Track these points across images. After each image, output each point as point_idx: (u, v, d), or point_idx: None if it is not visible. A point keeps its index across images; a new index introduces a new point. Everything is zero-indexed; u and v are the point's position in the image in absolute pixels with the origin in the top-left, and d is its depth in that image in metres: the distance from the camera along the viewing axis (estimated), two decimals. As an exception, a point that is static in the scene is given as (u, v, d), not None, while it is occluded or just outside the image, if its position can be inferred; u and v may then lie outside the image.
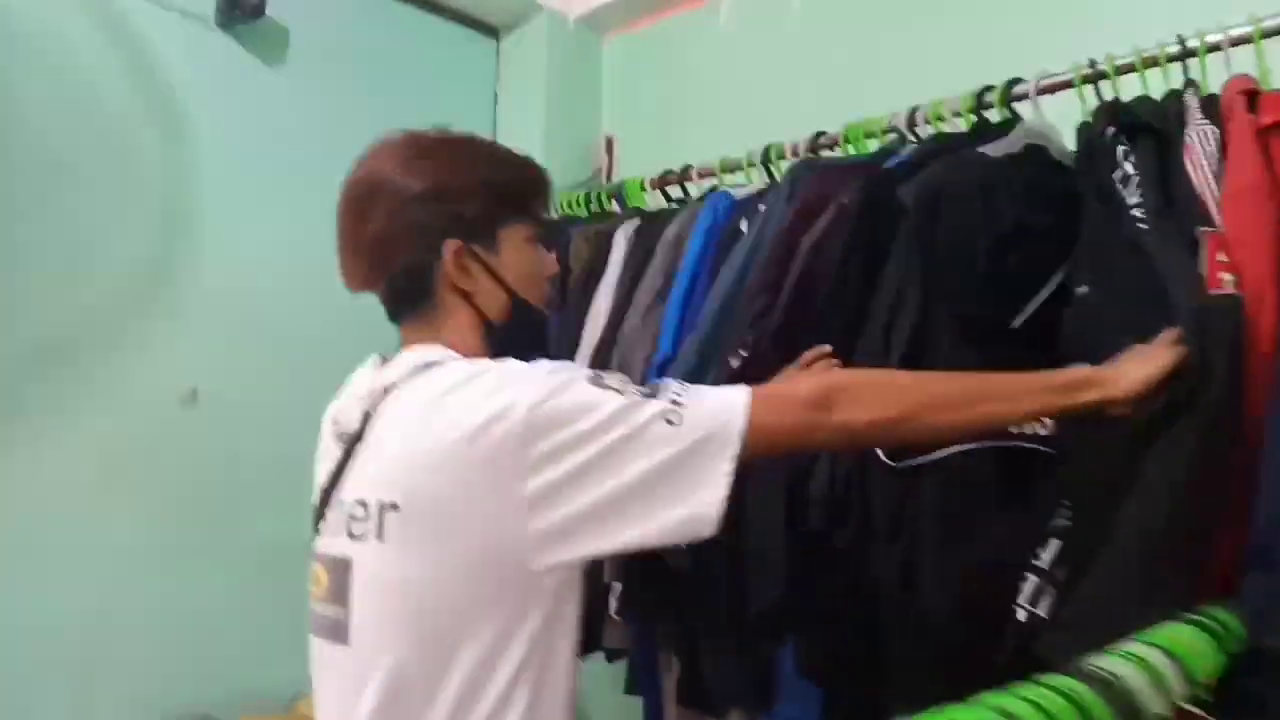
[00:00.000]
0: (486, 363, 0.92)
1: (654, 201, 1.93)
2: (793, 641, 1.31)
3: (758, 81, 2.11)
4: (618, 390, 0.86)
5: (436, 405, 0.87)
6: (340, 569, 0.91)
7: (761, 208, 1.42)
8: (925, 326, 1.16)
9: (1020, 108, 1.41)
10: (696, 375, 1.30)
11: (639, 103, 2.39)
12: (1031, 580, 0.95)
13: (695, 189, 1.85)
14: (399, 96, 2.23)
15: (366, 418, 0.92)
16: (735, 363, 1.26)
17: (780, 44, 2.08)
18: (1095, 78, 1.33)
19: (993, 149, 1.29)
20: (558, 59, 2.40)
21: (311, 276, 2.04)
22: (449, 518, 0.84)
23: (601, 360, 1.54)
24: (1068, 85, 1.36)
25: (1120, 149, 1.17)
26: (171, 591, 1.84)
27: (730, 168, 1.78)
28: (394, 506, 0.86)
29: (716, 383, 1.24)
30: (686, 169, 1.87)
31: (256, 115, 2.04)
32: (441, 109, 2.29)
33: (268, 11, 1.98)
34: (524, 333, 1.00)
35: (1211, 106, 1.17)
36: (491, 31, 2.47)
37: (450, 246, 0.95)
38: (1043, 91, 1.38)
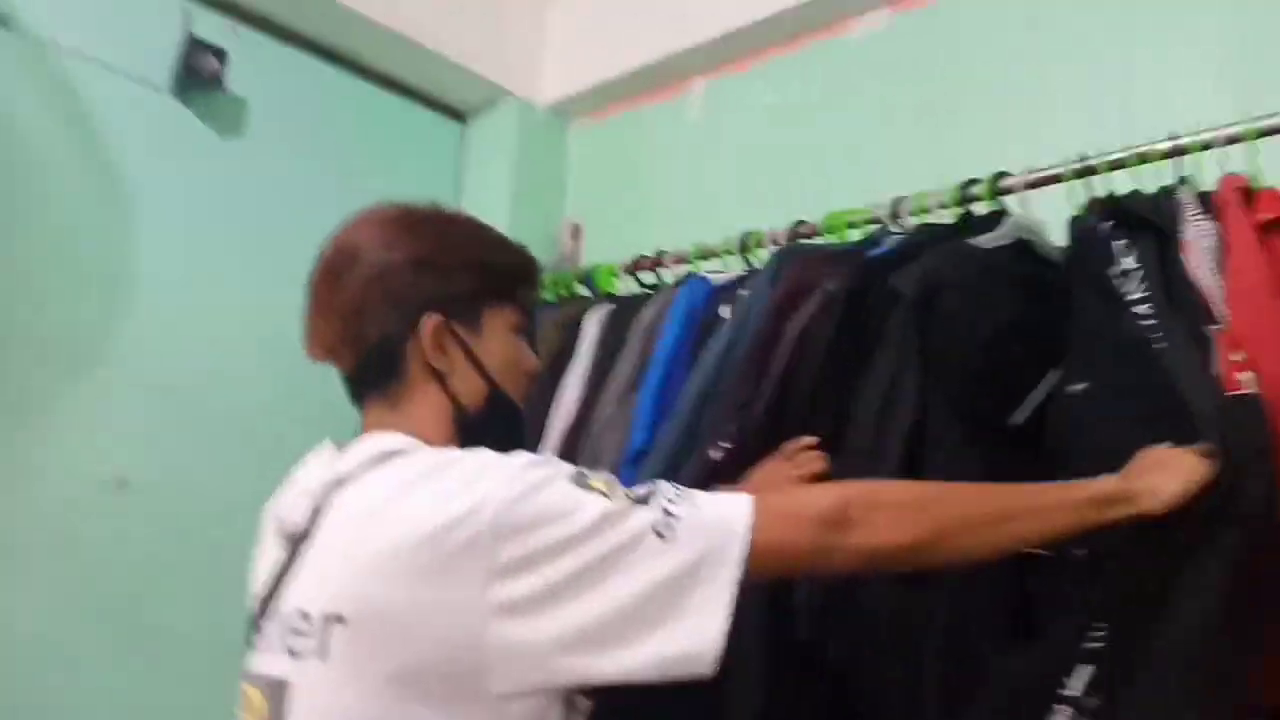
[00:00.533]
0: (454, 453, 0.81)
1: (625, 287, 1.87)
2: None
3: (727, 173, 2.09)
4: (603, 493, 0.75)
5: (394, 501, 0.76)
6: (277, 692, 0.77)
7: (743, 293, 1.35)
8: (924, 422, 1.09)
9: (1007, 202, 1.38)
10: (673, 467, 1.21)
11: (606, 190, 2.36)
12: (1063, 712, 0.86)
13: (669, 275, 1.79)
14: (360, 177, 2.15)
15: (315, 514, 0.81)
16: (716, 455, 1.18)
17: (751, 136, 2.07)
18: (1085, 173, 1.31)
19: (983, 241, 1.25)
20: (524, 145, 2.36)
21: (259, 360, 1.96)
22: (401, 631, 0.72)
23: (569, 452, 1.43)
24: (1056, 179, 1.33)
25: (1117, 244, 1.14)
26: (81, 694, 1.64)
27: (706, 254, 1.73)
28: (340, 619, 0.74)
29: (695, 476, 1.16)
30: (660, 254, 1.81)
31: (208, 189, 1.94)
32: (404, 191, 2.18)
33: (227, 83, 1.91)
34: (498, 429, 0.91)
35: (1205, 203, 1.15)
36: (458, 115, 2.43)
37: (430, 320, 0.88)
38: (1030, 186, 1.36)
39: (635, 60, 2.20)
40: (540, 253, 2.24)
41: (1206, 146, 1.20)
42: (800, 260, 1.31)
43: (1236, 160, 1.17)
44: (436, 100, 2.37)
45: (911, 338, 1.11)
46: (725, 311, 1.37)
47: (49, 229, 1.72)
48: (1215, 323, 1.02)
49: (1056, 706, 0.87)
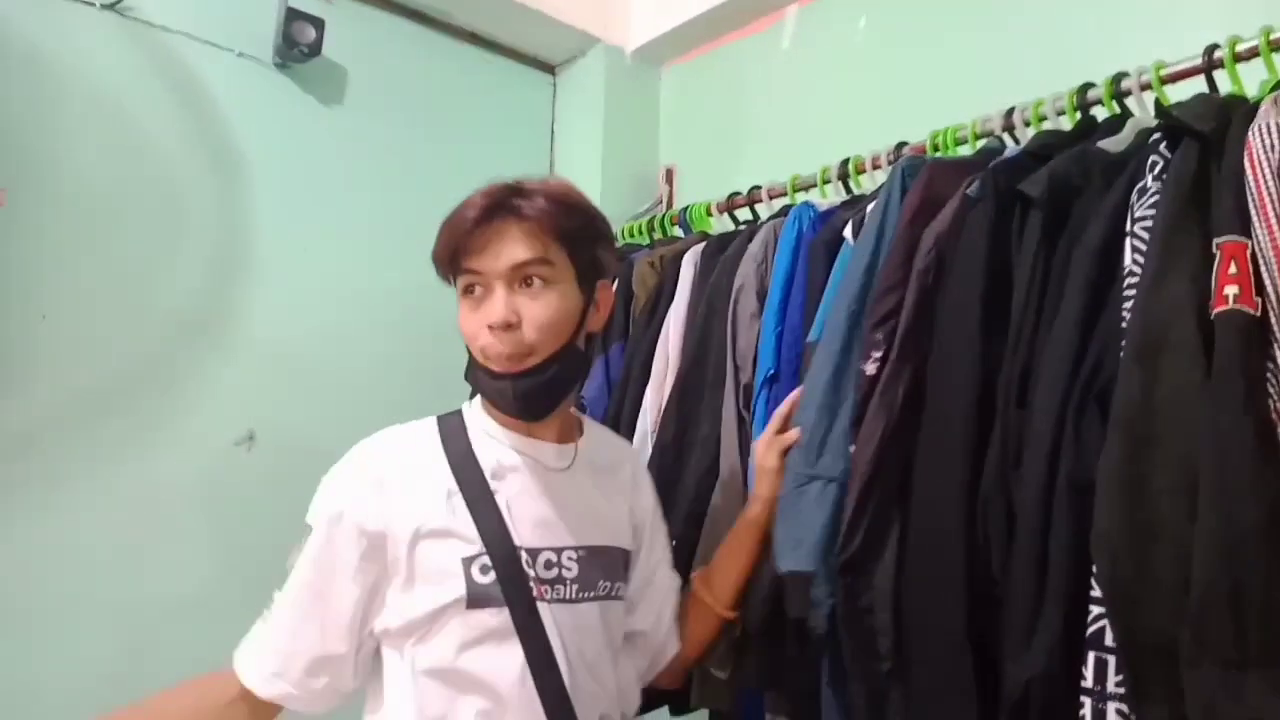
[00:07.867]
0: None
1: (719, 226, 1.86)
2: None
3: (823, 102, 2.05)
4: None
5: None
6: None
7: (870, 208, 1.32)
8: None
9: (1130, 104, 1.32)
10: (833, 387, 1.22)
11: (698, 131, 2.34)
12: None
13: (764, 210, 1.78)
14: (456, 135, 2.20)
15: None
16: (870, 369, 1.18)
17: (847, 61, 2.02)
18: (1210, 67, 1.24)
19: (1109, 144, 1.20)
20: (615, 92, 2.36)
21: (367, 318, 2.03)
22: None
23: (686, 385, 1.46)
24: (1183, 76, 1.26)
25: (1152, 159, 1.06)
26: (213, 643, 1.73)
27: (804, 185, 1.71)
28: None
29: (857, 393, 1.20)
30: (755, 189, 1.80)
31: (313, 155, 2.00)
32: (498, 146, 2.28)
33: (324, 51, 1.96)
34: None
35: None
36: (548, 68, 2.44)
37: None
38: (1148, 86, 1.28)
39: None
40: (634, 198, 2.29)
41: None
42: (927, 170, 1.27)
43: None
44: (526, 54, 2.39)
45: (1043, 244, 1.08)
46: (848, 233, 1.35)
47: (167, 206, 1.80)
48: (1237, 234, 0.93)
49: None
